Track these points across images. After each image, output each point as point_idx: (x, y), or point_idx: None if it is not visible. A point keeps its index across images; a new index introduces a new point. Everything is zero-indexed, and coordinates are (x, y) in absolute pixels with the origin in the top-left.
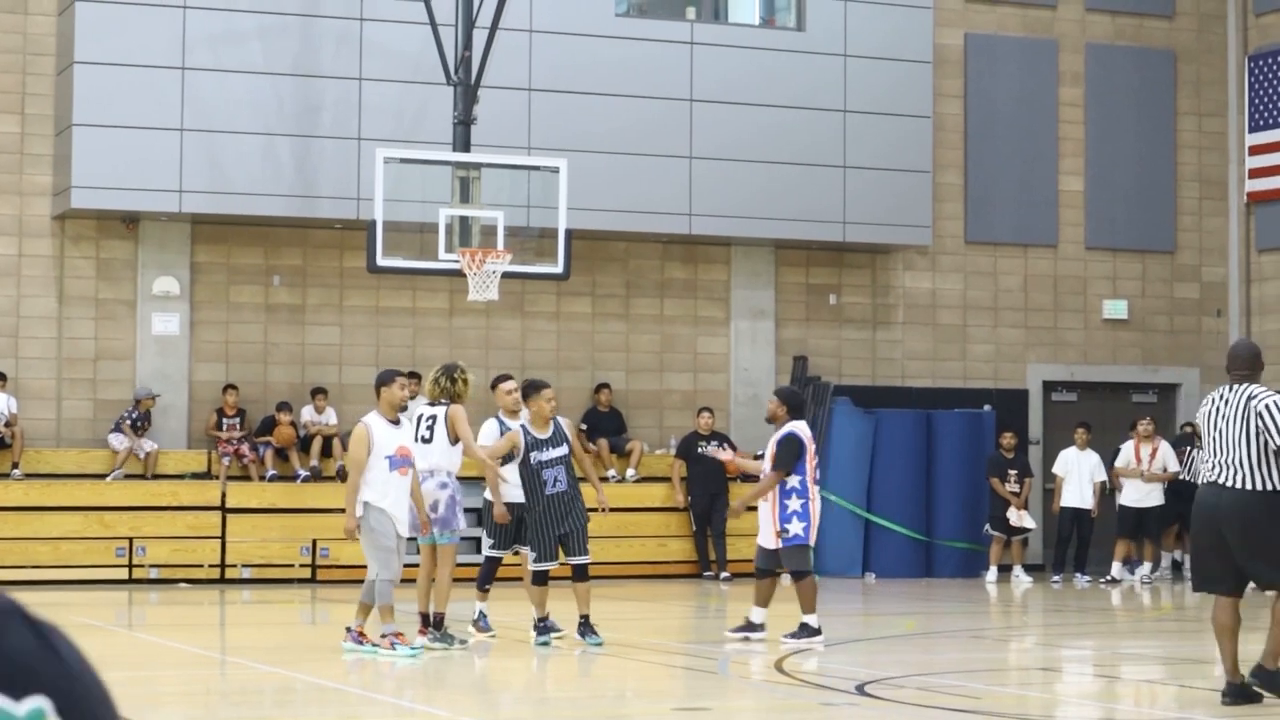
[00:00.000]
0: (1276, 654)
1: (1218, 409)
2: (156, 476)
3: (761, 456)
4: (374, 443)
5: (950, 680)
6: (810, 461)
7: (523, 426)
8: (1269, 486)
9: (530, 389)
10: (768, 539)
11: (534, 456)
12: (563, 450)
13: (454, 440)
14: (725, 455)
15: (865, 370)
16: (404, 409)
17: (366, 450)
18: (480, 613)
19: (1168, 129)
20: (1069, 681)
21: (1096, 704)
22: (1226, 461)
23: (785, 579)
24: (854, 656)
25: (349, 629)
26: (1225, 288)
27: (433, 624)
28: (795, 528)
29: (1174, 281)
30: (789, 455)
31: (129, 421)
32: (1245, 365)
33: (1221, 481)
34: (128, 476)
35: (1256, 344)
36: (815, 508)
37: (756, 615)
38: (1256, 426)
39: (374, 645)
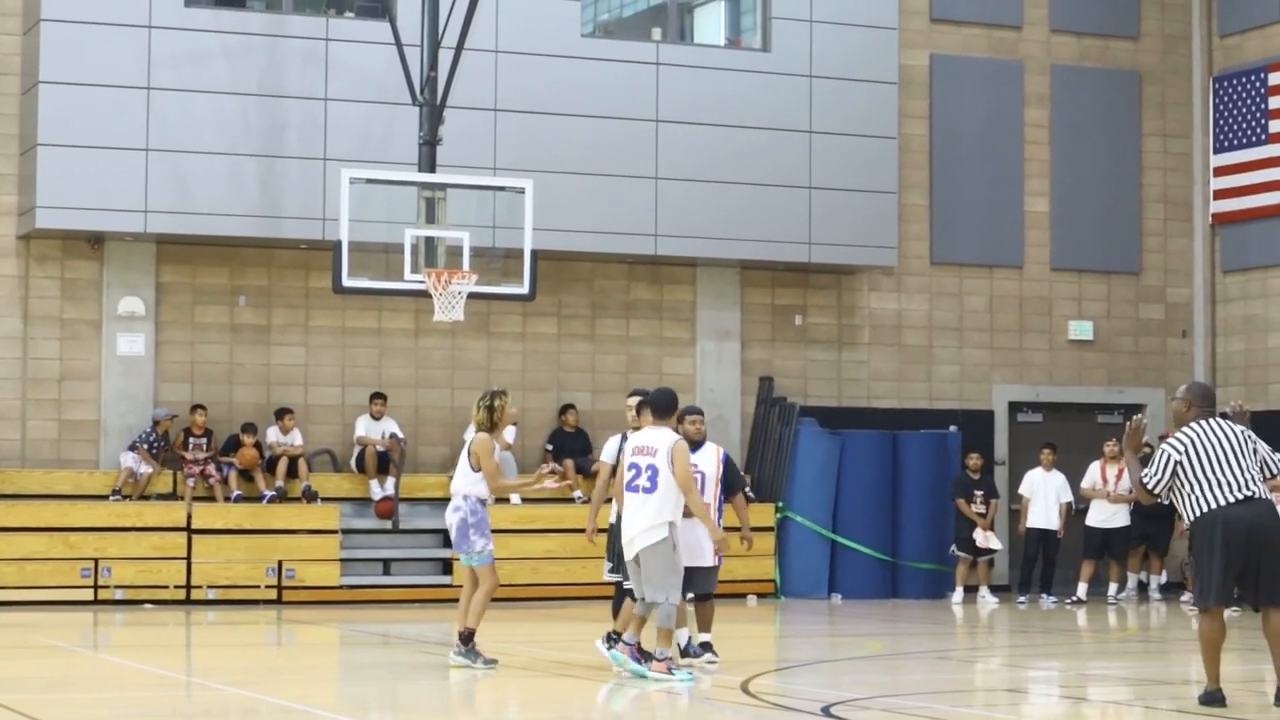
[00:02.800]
0: None
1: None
2: (138, 498)
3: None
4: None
5: (916, 701)
6: None
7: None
8: None
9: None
10: (707, 557)
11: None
12: None
13: (475, 466)
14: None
15: (831, 391)
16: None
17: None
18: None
19: (1133, 150)
20: (1035, 703)
21: None
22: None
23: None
24: (820, 677)
25: (622, 640)
26: (1190, 309)
27: (460, 639)
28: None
29: (1139, 302)
30: (739, 476)
31: (147, 445)
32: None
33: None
34: (91, 498)
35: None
36: None
37: (704, 638)
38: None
39: (647, 665)
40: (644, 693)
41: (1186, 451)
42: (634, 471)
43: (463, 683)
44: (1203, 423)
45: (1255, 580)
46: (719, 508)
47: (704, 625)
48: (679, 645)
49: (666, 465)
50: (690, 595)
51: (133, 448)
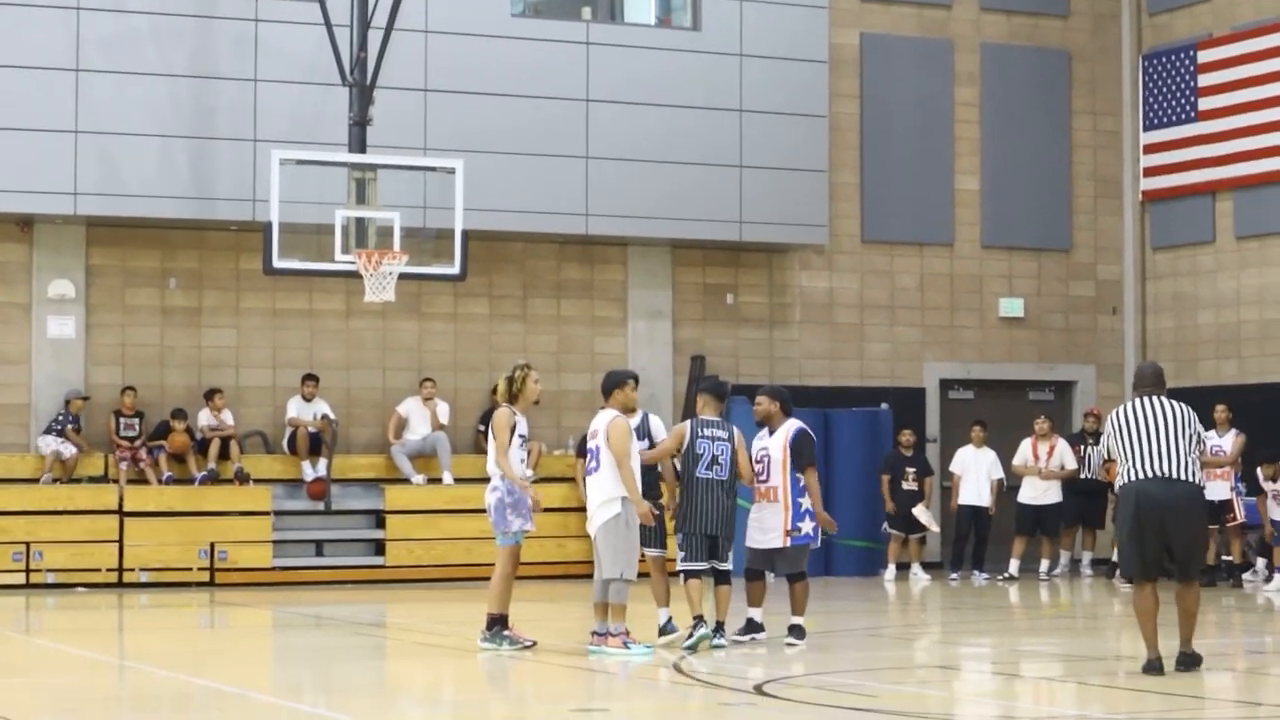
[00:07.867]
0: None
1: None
2: (68, 481)
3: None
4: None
5: (849, 679)
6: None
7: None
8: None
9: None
10: (772, 538)
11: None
12: None
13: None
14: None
15: (763, 370)
16: (633, 410)
17: (630, 442)
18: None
19: (1063, 128)
20: (968, 679)
21: (995, 701)
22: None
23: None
24: (753, 656)
25: (596, 633)
26: (1120, 286)
27: (485, 625)
28: (806, 526)
29: (1069, 280)
30: (812, 451)
31: (61, 427)
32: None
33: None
34: (22, 481)
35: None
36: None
37: (758, 615)
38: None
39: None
40: (577, 670)
41: (1121, 425)
42: (589, 455)
43: (397, 664)
44: (1144, 400)
45: (1172, 558)
46: (794, 487)
47: (795, 608)
48: (659, 625)
49: (604, 442)
50: (774, 577)
51: (49, 431)
